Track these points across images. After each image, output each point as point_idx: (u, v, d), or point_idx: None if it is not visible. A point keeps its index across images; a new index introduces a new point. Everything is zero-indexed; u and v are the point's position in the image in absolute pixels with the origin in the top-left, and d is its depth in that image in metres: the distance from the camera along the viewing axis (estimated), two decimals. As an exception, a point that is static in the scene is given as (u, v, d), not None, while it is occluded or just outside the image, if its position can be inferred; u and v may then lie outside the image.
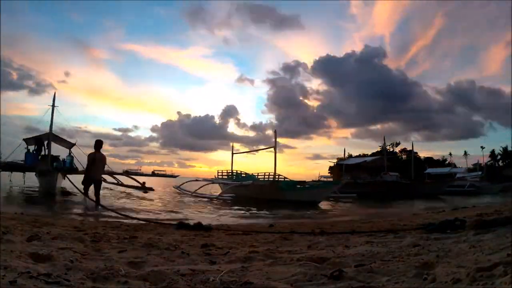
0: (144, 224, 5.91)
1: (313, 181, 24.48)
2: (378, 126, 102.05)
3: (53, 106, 16.75)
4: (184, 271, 2.05)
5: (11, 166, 14.82)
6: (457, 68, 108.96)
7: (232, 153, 24.59)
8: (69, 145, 17.21)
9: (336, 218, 9.44)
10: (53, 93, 17.26)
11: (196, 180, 22.15)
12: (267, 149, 21.61)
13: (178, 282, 1.81)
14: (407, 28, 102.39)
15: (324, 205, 15.00)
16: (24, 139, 16.24)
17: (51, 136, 15.87)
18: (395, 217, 8.58)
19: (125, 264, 2.25)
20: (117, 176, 17.61)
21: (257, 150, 26.05)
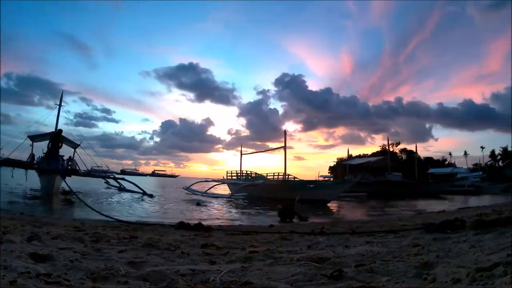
0: (144, 224, 5.92)
1: (322, 180, 24.54)
2: (341, 129, 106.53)
3: (59, 105, 16.79)
4: (184, 271, 2.05)
5: (12, 162, 14.74)
6: (456, 63, 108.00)
7: (241, 154, 24.62)
8: (74, 145, 17.19)
9: (338, 218, 9.45)
10: (61, 92, 17.34)
11: (206, 181, 22.24)
12: (276, 149, 21.79)
13: (178, 282, 1.81)
14: (405, 22, 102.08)
15: (333, 204, 15.01)
16: (28, 136, 16.19)
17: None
18: (395, 217, 8.59)
19: (125, 264, 2.25)
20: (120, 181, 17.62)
21: (266, 150, 26.13)
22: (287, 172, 18.90)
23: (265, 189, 17.02)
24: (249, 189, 17.65)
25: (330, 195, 15.45)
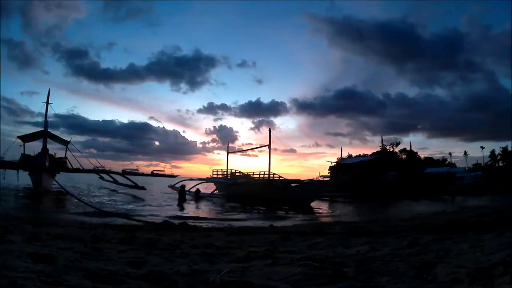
0: (144, 224, 5.91)
1: (306, 180, 24.45)
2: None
3: (47, 103, 16.79)
4: (184, 271, 2.05)
5: (5, 164, 14.75)
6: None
7: (228, 153, 24.69)
8: (64, 143, 17.28)
9: (336, 218, 9.45)
10: (48, 90, 17.29)
11: (191, 180, 22.35)
12: (260, 148, 21.78)
13: (178, 282, 1.81)
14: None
15: (320, 204, 14.99)
16: (18, 137, 16.21)
17: (46, 134, 15.93)
18: (394, 217, 8.58)
19: (125, 264, 2.25)
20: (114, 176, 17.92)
21: (251, 149, 26.22)
22: (286, 172, 18.91)
23: (248, 188, 16.98)
24: (232, 187, 17.68)
25: (314, 195, 15.40)
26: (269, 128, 19.68)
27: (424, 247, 2.68)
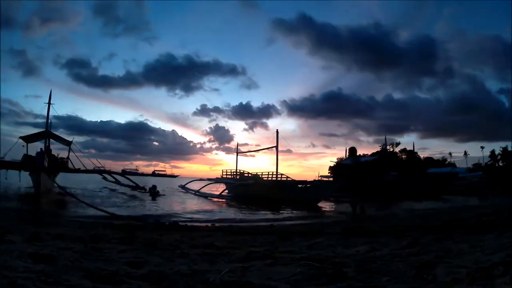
0: (144, 224, 5.91)
1: (314, 180, 24.42)
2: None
3: (49, 104, 16.84)
4: (184, 271, 2.05)
5: (6, 164, 14.76)
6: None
7: (237, 153, 24.69)
8: (67, 143, 17.34)
9: (336, 218, 9.44)
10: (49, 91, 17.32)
11: (200, 180, 22.51)
12: (269, 148, 21.75)
13: (178, 282, 1.81)
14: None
15: (324, 204, 15.07)
16: (21, 137, 16.24)
17: (48, 134, 15.99)
18: (395, 217, 8.58)
19: (125, 264, 2.25)
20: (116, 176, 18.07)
21: (260, 150, 26.18)
22: (283, 172, 19.00)
23: (256, 189, 17.07)
24: (240, 188, 17.76)
25: (321, 195, 15.55)
26: (277, 130, 19.76)
27: (424, 247, 2.68)
